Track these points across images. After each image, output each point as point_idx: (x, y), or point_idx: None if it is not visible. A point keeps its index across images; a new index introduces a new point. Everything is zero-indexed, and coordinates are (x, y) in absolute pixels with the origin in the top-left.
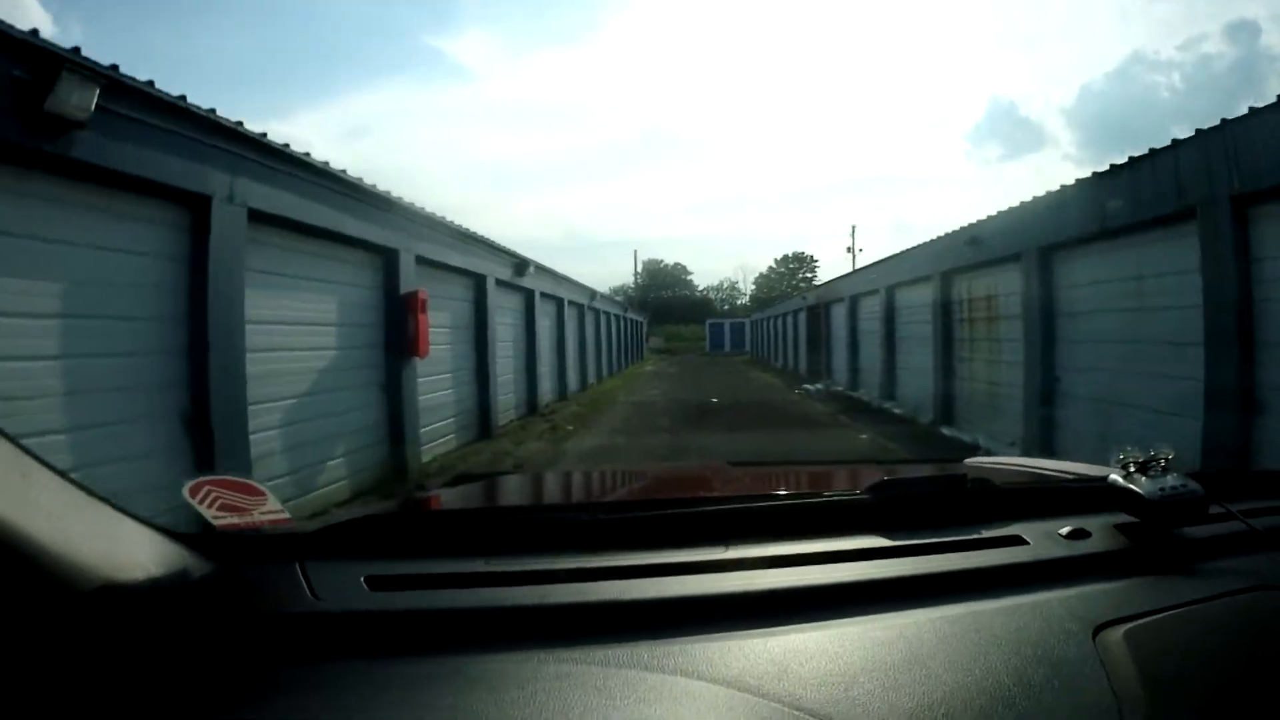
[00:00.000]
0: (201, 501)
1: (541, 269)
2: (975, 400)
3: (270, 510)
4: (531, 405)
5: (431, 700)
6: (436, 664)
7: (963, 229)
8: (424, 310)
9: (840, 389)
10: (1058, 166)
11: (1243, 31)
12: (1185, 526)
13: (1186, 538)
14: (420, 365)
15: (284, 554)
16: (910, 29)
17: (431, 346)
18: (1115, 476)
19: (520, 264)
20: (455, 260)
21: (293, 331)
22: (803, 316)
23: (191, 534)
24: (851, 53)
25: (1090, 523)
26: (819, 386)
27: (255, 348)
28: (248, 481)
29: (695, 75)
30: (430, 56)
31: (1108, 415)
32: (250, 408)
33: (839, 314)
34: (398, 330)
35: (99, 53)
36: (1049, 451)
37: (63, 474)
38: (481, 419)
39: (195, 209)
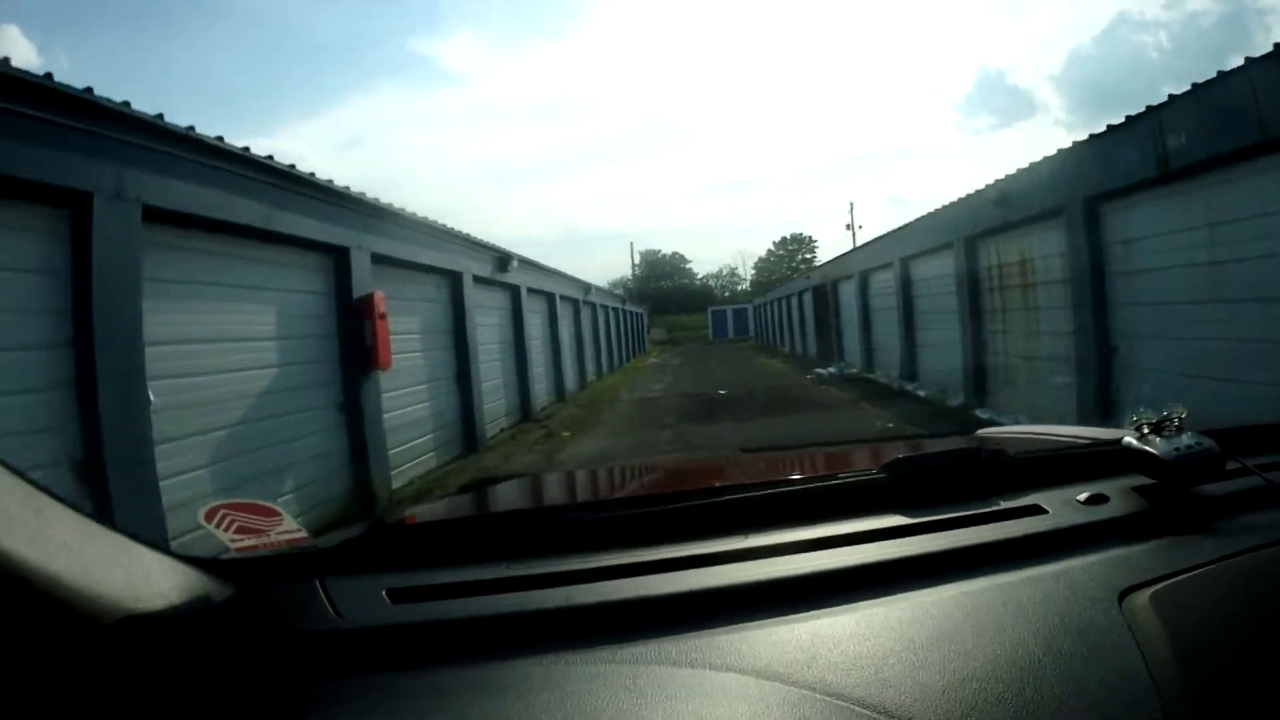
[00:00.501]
0: (218, 526)
1: (527, 263)
2: (1013, 377)
3: (287, 530)
4: (525, 410)
5: (462, 709)
6: (464, 673)
7: (988, 187)
8: (382, 316)
9: (855, 372)
10: (1049, 132)
11: None
12: (1203, 485)
13: (1205, 496)
14: (385, 378)
15: (303, 572)
16: (894, 1)
17: (398, 355)
18: (1130, 439)
19: (502, 258)
20: (423, 257)
21: (217, 350)
22: (808, 298)
23: (210, 559)
24: (838, 28)
25: (1108, 487)
26: (832, 370)
27: (163, 374)
28: (262, 503)
29: (683, 61)
30: (418, 62)
31: (1181, 388)
32: (159, 447)
33: (848, 292)
34: (354, 340)
35: (84, 76)
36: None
37: (75, 507)
38: (466, 431)
39: (75, 210)
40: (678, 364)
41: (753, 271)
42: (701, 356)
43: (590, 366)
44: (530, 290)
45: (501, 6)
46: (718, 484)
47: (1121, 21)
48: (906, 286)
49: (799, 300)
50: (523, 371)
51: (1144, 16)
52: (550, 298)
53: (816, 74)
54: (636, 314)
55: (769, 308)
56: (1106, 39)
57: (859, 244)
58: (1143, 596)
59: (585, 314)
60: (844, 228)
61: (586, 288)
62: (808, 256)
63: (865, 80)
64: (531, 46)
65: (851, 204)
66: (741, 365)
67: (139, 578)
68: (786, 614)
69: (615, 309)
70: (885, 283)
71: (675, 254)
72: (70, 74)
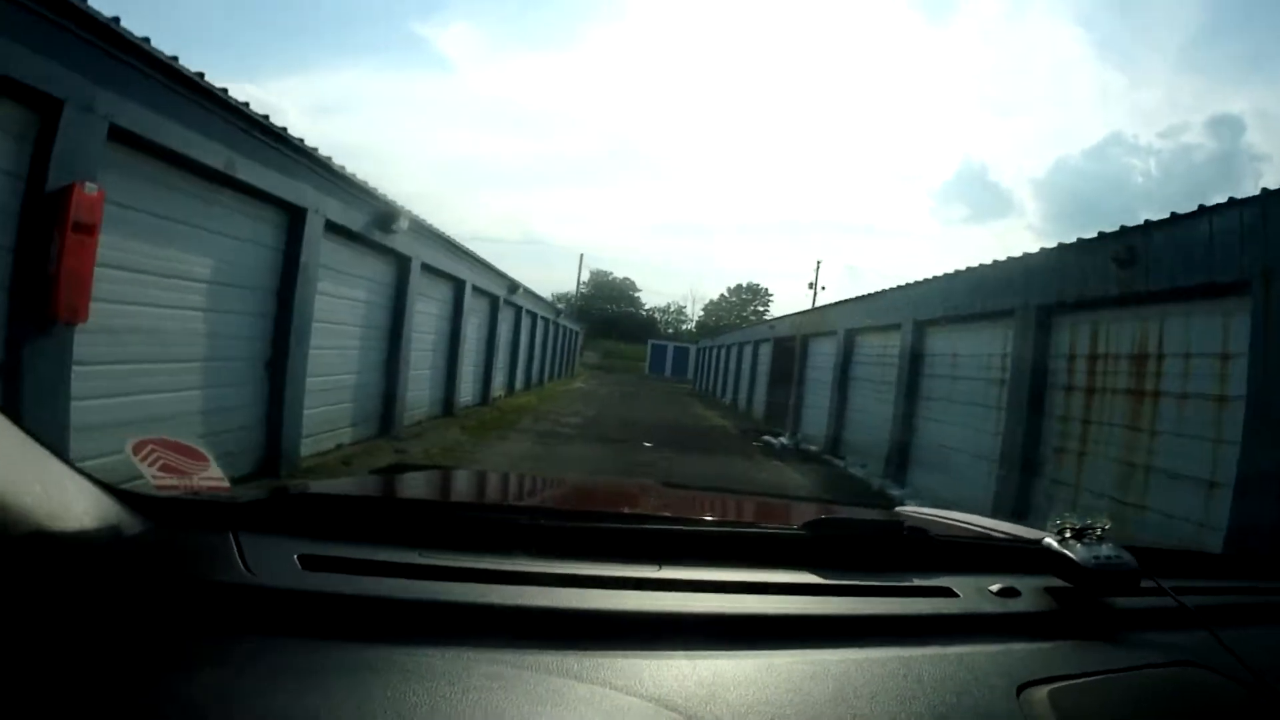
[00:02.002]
0: (143, 460)
1: (426, 228)
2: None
3: (210, 476)
4: (386, 424)
5: (363, 687)
6: (370, 651)
7: (1102, 237)
8: (88, 228)
9: (814, 449)
10: (1019, 236)
11: (1226, 126)
12: (1116, 596)
13: (1116, 608)
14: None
15: (218, 522)
16: (888, 80)
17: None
18: (1050, 540)
19: (385, 213)
20: (211, 161)
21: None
22: (765, 350)
23: (129, 491)
24: (826, 96)
25: (1021, 583)
26: (784, 440)
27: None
28: (192, 445)
29: (670, 98)
30: (413, 42)
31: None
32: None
33: (823, 351)
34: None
35: None
36: None
37: (6, 416)
38: (269, 447)
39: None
40: (605, 394)
41: (701, 313)
42: (633, 392)
43: (500, 378)
44: (428, 268)
45: (505, 7)
46: (638, 510)
47: (1115, 141)
48: (915, 360)
49: (753, 351)
50: (392, 369)
51: (1138, 140)
52: (458, 285)
53: (794, 135)
54: (571, 331)
55: (715, 352)
56: (1096, 154)
57: (816, 304)
58: (1041, 692)
59: (505, 315)
60: (806, 286)
61: (513, 285)
62: (760, 309)
63: (844, 149)
64: (524, 52)
65: (819, 262)
66: (676, 410)
67: (57, 497)
68: (691, 649)
69: (547, 319)
70: (881, 348)
71: (626, 279)
72: None
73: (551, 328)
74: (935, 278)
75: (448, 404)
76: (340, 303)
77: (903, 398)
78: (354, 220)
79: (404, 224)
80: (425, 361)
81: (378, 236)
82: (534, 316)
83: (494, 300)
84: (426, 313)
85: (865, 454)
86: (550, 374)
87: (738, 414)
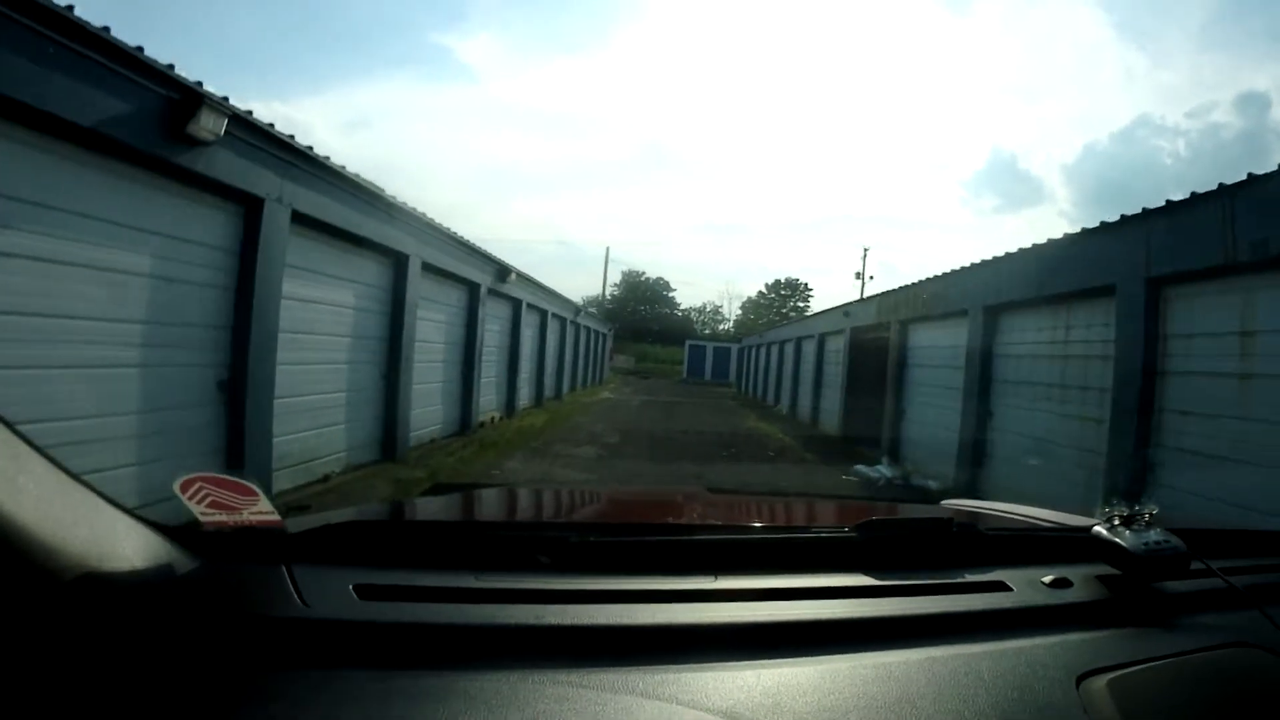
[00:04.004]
0: (191, 498)
1: (409, 215)
2: None
3: (260, 510)
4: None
5: (429, 716)
6: (432, 679)
7: None
8: None
9: (934, 486)
10: (1052, 222)
11: (1252, 104)
12: (1166, 581)
13: (1167, 592)
14: None
15: (271, 555)
16: (916, 72)
17: None
18: (1099, 528)
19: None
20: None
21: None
22: (836, 345)
23: (178, 529)
24: (854, 91)
25: (1072, 572)
26: (884, 472)
27: None
28: (241, 480)
29: (697, 97)
30: (438, 54)
31: None
32: None
33: (937, 341)
34: None
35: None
36: None
37: (53, 459)
38: None
39: None
40: (637, 407)
41: (739, 311)
42: (670, 401)
43: (492, 396)
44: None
45: (527, 13)
46: (689, 521)
47: (1142, 123)
48: (1153, 342)
49: (817, 346)
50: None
51: (1165, 121)
52: (399, 260)
53: (823, 131)
54: (597, 333)
55: (762, 352)
56: (1124, 138)
57: (862, 293)
58: (1100, 681)
59: (495, 311)
60: (852, 277)
61: (501, 270)
62: (800, 304)
63: (872, 144)
64: (548, 57)
65: (865, 250)
66: (723, 424)
67: (105, 537)
68: (752, 659)
69: (562, 319)
70: (1061, 331)
71: (659, 279)
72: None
73: (571, 329)
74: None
75: (388, 444)
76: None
77: (1124, 415)
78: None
79: (393, 205)
80: (333, 380)
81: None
82: (542, 314)
83: (472, 290)
84: (329, 303)
85: (1038, 501)
86: (573, 384)
87: (800, 426)
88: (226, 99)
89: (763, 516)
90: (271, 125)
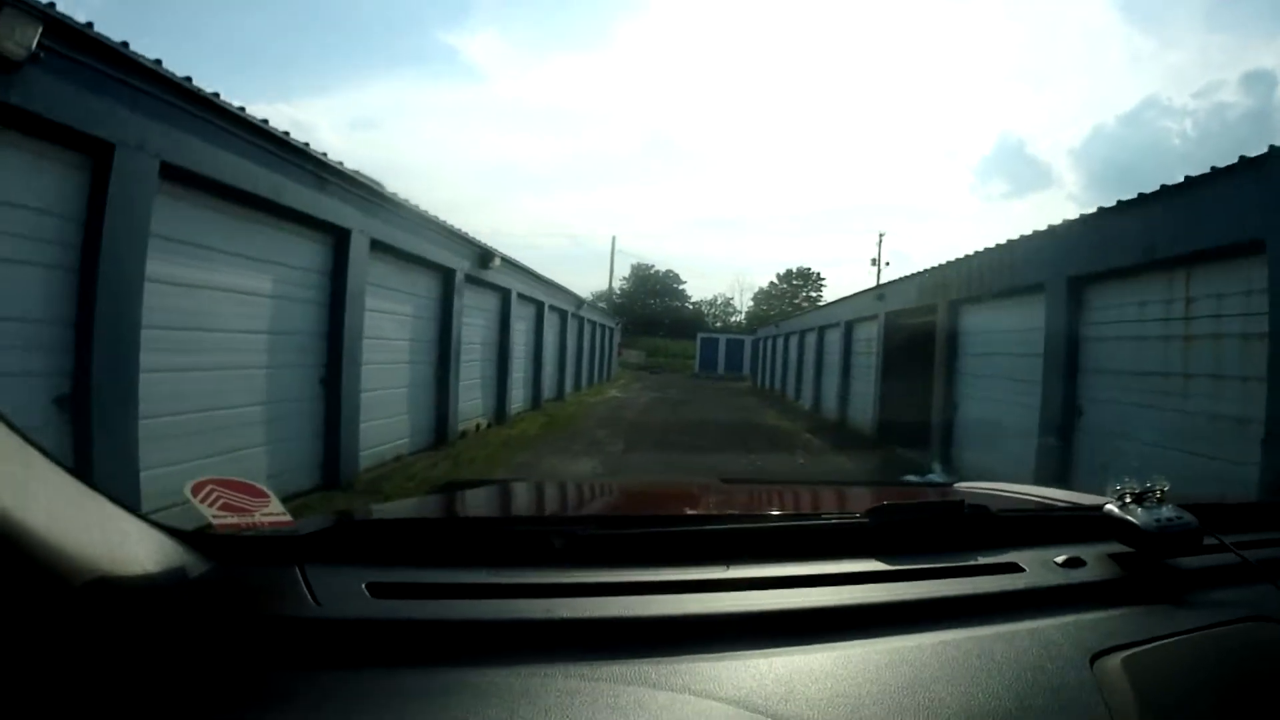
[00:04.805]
0: (203, 500)
1: (325, 164)
2: None
3: (272, 512)
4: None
5: (443, 712)
6: (446, 675)
7: None
8: None
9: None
10: (1060, 206)
11: (1259, 82)
12: (1179, 557)
13: (1180, 568)
14: None
15: (283, 557)
16: (924, 58)
17: None
18: (1111, 506)
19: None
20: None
21: None
22: (867, 332)
23: (190, 532)
24: (863, 78)
25: (1085, 551)
26: (938, 478)
27: None
28: (251, 483)
29: (704, 91)
30: (443, 53)
31: None
32: None
33: (999, 324)
34: None
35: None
36: None
37: (63, 465)
38: None
39: None
40: (645, 406)
41: (750, 303)
42: (682, 399)
43: (477, 400)
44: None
45: (531, 11)
46: (701, 512)
47: (1149, 105)
48: None
49: (843, 335)
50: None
51: (1172, 103)
52: (339, 236)
53: (830, 121)
54: (604, 327)
55: (778, 343)
56: (1132, 120)
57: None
58: (1114, 660)
59: (478, 302)
60: (867, 265)
61: (484, 254)
62: (812, 294)
63: (880, 132)
64: (553, 54)
65: (881, 235)
66: (741, 423)
67: (116, 542)
68: (765, 647)
69: (563, 312)
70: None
71: (669, 272)
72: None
73: (573, 323)
74: None
75: (330, 466)
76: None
77: None
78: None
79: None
80: (245, 390)
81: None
82: (537, 306)
83: (446, 277)
84: (231, 290)
85: None
86: (576, 382)
87: (826, 425)
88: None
89: (775, 505)
90: (125, 44)
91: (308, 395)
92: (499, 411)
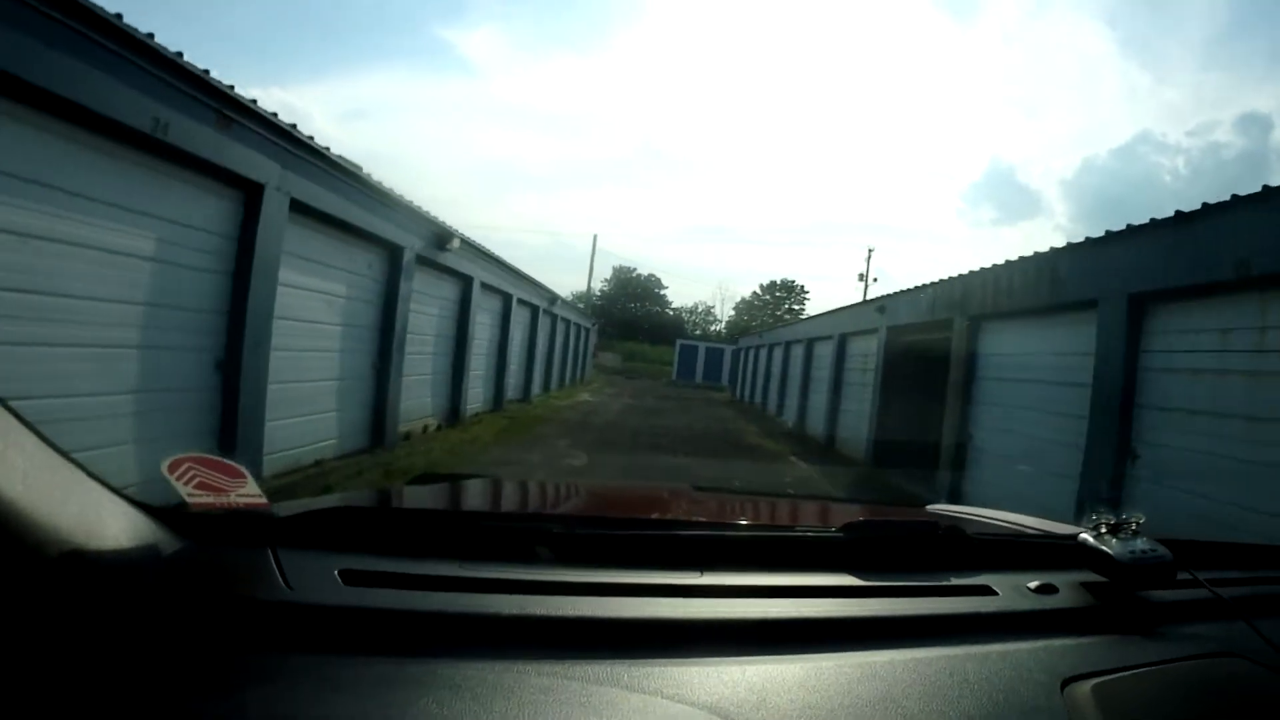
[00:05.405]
0: (179, 478)
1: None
2: None
3: (248, 493)
4: None
5: (414, 702)
6: (417, 666)
7: None
8: None
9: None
10: (1048, 236)
11: (1254, 124)
12: (1152, 590)
13: (1153, 600)
14: None
15: (256, 538)
16: (916, 82)
17: None
18: (1086, 536)
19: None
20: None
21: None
22: (863, 348)
23: (165, 509)
24: (856, 97)
25: (1058, 579)
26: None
27: None
28: (229, 462)
29: (697, 101)
30: (438, 47)
31: None
32: None
33: (1045, 346)
34: None
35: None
36: None
37: (43, 436)
38: None
39: None
40: (616, 414)
41: (731, 312)
42: (656, 407)
43: (429, 398)
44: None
45: (530, 9)
46: (676, 517)
47: (1143, 140)
48: None
49: (835, 349)
50: None
51: (1166, 139)
52: (251, 191)
53: (821, 138)
54: (579, 326)
55: (761, 354)
56: (1124, 154)
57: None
58: (1084, 687)
59: (431, 288)
60: (855, 280)
61: (441, 235)
62: (795, 307)
63: (870, 153)
64: (550, 54)
65: (870, 250)
66: (721, 444)
67: (92, 516)
68: (738, 655)
69: (534, 307)
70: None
71: (651, 276)
72: None
73: (545, 319)
74: None
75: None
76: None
77: None
78: None
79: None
80: (113, 373)
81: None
82: (504, 298)
83: (393, 255)
84: (94, 247)
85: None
86: (545, 383)
87: (812, 448)
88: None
89: (748, 514)
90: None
91: (196, 384)
92: (452, 411)
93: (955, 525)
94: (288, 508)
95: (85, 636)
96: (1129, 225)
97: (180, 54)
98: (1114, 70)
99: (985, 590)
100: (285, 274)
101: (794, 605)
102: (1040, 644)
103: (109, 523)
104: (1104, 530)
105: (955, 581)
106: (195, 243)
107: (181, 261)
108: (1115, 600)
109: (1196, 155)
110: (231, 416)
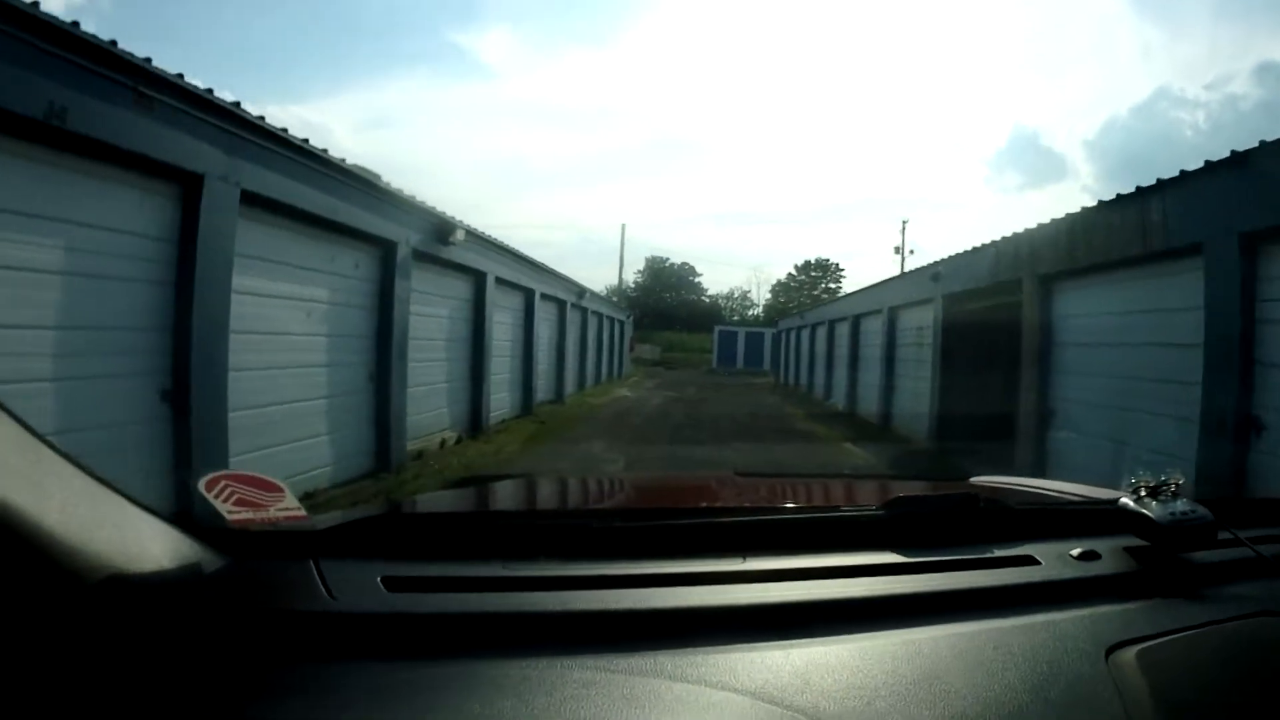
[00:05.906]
0: (217, 496)
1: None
2: None
3: (287, 507)
4: None
5: (458, 704)
6: (460, 668)
7: None
8: None
9: None
10: (1076, 198)
11: (1270, 74)
12: (1194, 551)
13: (1195, 562)
14: None
15: (298, 551)
16: (938, 49)
17: None
18: (1126, 500)
19: None
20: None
21: None
22: (916, 320)
23: (204, 528)
24: (877, 71)
25: (1100, 545)
26: None
27: None
28: (265, 477)
29: (717, 85)
30: (452, 52)
31: None
32: None
33: (1134, 303)
34: None
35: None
36: None
37: (75, 461)
38: None
39: None
40: (655, 410)
41: (768, 296)
42: (699, 397)
43: (441, 410)
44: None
45: (543, 6)
46: (718, 505)
47: (1161, 96)
48: None
49: (886, 324)
50: None
51: (1184, 94)
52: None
53: (844, 113)
54: (613, 320)
55: (802, 335)
56: (1144, 111)
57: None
58: (1129, 653)
59: (434, 285)
60: (891, 253)
61: (442, 227)
62: (832, 285)
63: (893, 125)
64: (565, 50)
65: (904, 222)
66: (770, 429)
67: (131, 539)
68: (781, 639)
69: (566, 303)
70: None
71: (685, 265)
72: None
73: (574, 314)
74: None
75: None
76: None
77: None
78: None
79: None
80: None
81: None
82: (526, 294)
83: (386, 252)
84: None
85: None
86: (580, 381)
87: (868, 432)
88: None
89: (791, 497)
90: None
91: (138, 416)
92: (474, 421)
93: (996, 496)
94: (327, 519)
95: (130, 660)
96: (1233, 152)
97: (76, 23)
98: (1129, 28)
99: (1028, 560)
100: (242, 280)
101: (836, 586)
102: (1084, 612)
103: (149, 545)
104: (1144, 493)
105: (998, 553)
106: (120, 249)
107: (104, 272)
108: (1157, 564)
109: (1215, 108)
110: (185, 451)
